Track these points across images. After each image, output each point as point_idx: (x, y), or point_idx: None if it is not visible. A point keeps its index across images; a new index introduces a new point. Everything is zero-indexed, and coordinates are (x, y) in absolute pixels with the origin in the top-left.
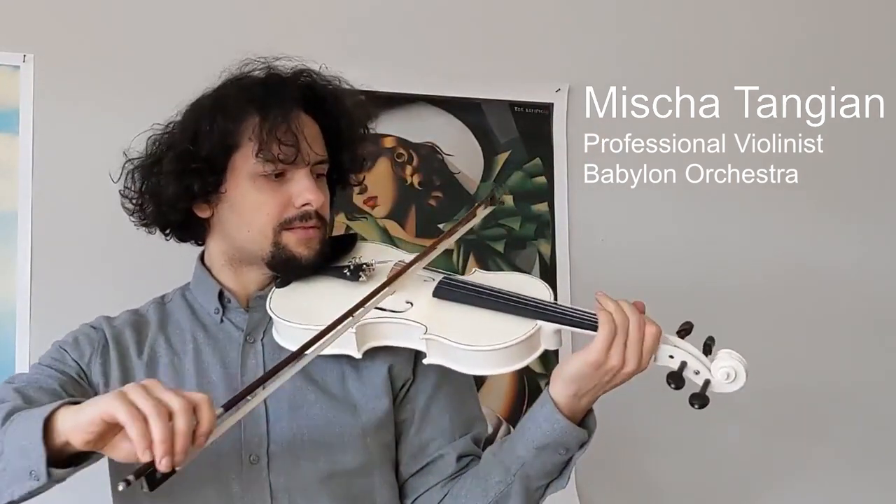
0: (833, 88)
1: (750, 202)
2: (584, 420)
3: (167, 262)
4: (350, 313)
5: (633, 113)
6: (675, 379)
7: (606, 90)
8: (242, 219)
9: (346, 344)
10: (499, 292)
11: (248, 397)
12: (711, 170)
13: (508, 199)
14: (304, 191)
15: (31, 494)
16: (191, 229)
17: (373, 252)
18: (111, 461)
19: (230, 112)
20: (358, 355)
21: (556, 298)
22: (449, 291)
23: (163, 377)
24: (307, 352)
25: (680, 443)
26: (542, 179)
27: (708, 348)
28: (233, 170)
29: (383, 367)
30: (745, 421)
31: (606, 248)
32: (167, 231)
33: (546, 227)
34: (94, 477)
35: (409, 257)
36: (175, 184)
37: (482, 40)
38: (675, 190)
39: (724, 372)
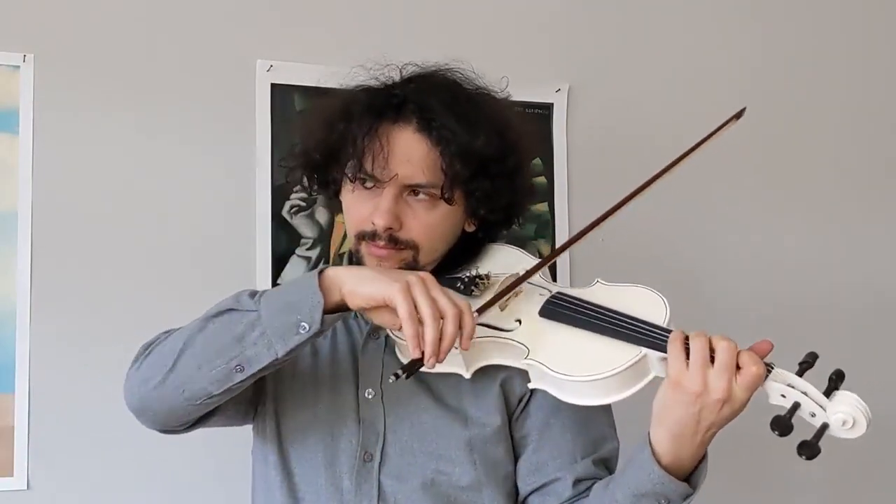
0: (831, 85)
1: (750, 202)
2: (695, 469)
3: (166, 262)
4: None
5: (632, 113)
6: (780, 426)
7: (606, 90)
8: (345, 217)
9: (454, 363)
10: (606, 314)
11: (496, 303)
12: (712, 169)
13: None
14: (375, 210)
15: (293, 352)
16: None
17: (495, 262)
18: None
19: (338, 116)
20: (467, 375)
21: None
22: (554, 311)
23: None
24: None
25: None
26: (542, 179)
27: (833, 385)
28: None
29: (496, 383)
30: None
31: (606, 248)
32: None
33: (546, 227)
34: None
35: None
36: (297, 173)
37: (482, 40)
38: (676, 190)
39: (840, 418)
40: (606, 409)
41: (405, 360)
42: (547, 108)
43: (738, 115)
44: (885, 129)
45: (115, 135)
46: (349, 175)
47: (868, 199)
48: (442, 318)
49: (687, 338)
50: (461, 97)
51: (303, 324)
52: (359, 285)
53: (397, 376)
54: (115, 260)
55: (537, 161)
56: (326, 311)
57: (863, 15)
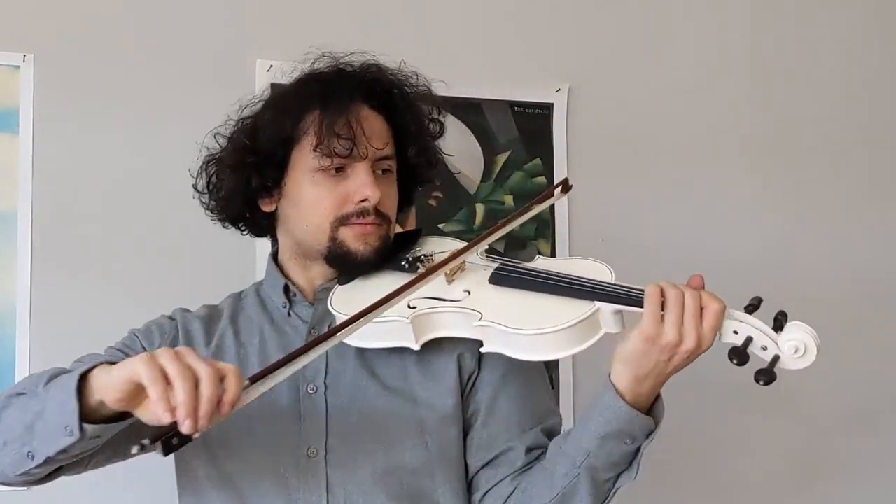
0: (829, 82)
1: (750, 200)
2: (652, 407)
3: (166, 262)
4: (388, 299)
5: (633, 113)
6: (738, 354)
7: (606, 90)
8: (301, 213)
9: (402, 336)
10: (555, 275)
11: (276, 372)
12: (712, 169)
13: (508, 199)
14: (362, 186)
15: (67, 451)
16: (259, 224)
17: (435, 246)
18: (175, 457)
19: (290, 107)
20: (416, 347)
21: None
22: (504, 277)
23: None
24: (338, 334)
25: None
26: (542, 179)
27: (779, 324)
28: (293, 164)
29: (451, 363)
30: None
31: (606, 248)
32: (239, 225)
33: (546, 227)
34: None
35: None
36: (232, 178)
37: (482, 40)
38: (675, 189)
39: (792, 345)
40: (547, 384)
41: (345, 338)
42: (547, 108)
43: (565, 188)
44: (882, 129)
45: (115, 135)
46: (321, 160)
47: (863, 198)
48: (197, 380)
49: (665, 295)
50: (393, 74)
51: (68, 427)
52: (109, 375)
53: (142, 447)
54: (115, 260)
55: (537, 161)
56: (90, 419)
57: (862, 15)
